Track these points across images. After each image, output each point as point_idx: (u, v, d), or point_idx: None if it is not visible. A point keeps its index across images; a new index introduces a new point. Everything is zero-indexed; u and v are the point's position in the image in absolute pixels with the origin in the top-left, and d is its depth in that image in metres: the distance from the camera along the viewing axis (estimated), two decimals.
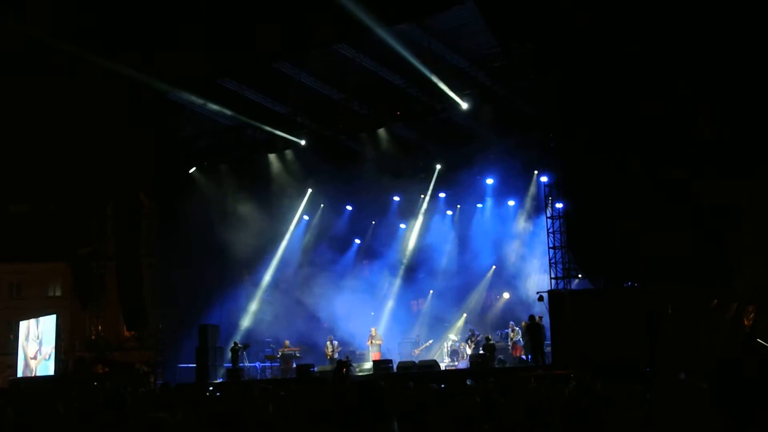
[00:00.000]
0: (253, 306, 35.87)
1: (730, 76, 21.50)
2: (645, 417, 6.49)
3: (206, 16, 23.22)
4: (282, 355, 32.32)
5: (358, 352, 32.55)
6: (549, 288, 25.67)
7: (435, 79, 27.91)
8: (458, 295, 34.08)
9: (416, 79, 29.06)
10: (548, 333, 26.07)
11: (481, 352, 28.41)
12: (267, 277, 36.51)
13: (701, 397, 4.90)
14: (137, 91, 28.15)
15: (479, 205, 34.20)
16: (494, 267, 33.37)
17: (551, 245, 25.83)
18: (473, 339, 30.13)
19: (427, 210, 35.55)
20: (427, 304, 35.17)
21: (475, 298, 33.89)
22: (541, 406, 9.03)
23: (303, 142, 33.12)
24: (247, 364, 32.07)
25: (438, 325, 33.80)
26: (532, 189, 31.80)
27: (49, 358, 35.60)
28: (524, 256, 32.70)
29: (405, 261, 35.75)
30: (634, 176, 22.77)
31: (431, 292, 34.84)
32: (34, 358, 36.27)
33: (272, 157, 34.60)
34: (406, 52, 26.13)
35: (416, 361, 28.90)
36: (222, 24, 23.85)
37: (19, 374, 36.59)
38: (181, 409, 10.88)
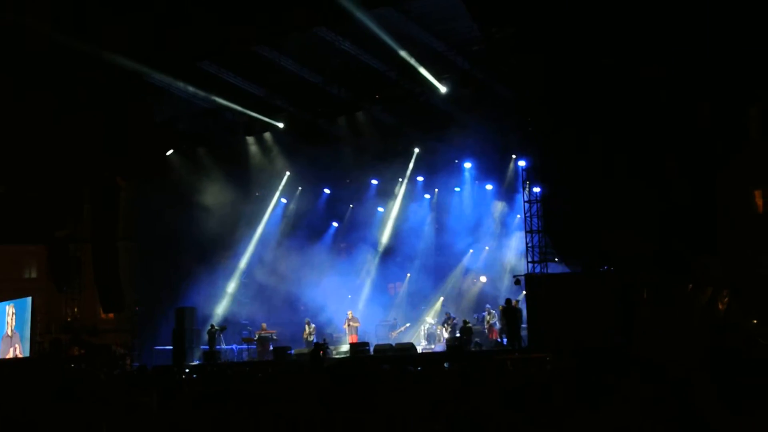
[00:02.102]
0: (230, 288, 35.86)
1: (708, 56, 21.60)
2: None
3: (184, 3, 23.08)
4: (259, 337, 32.32)
5: (335, 335, 32.59)
6: (526, 271, 25.80)
7: (414, 63, 27.89)
8: (435, 278, 34.16)
9: (395, 63, 29.05)
10: (525, 316, 26.24)
11: (458, 335, 28.54)
12: (244, 259, 36.51)
13: None
14: (114, 73, 27.93)
15: (457, 189, 34.28)
16: (471, 250, 33.46)
17: (528, 229, 25.95)
18: (450, 322, 30.24)
19: (405, 194, 35.59)
20: (404, 287, 35.24)
21: (452, 281, 33.98)
22: (517, 388, 9.12)
23: (281, 125, 33.10)
24: (223, 346, 32.09)
25: (415, 309, 33.90)
26: (510, 173, 31.89)
27: (23, 340, 35.41)
28: (501, 239, 32.85)
29: (382, 244, 35.79)
30: (611, 160, 22.88)
31: (408, 275, 34.92)
32: (8, 348, 36.08)
33: (250, 139, 34.57)
34: (385, 35, 26.10)
35: (393, 344, 28.99)
36: (201, 6, 23.68)
37: None
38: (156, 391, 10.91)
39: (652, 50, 22.13)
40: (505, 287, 30.56)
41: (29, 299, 35.92)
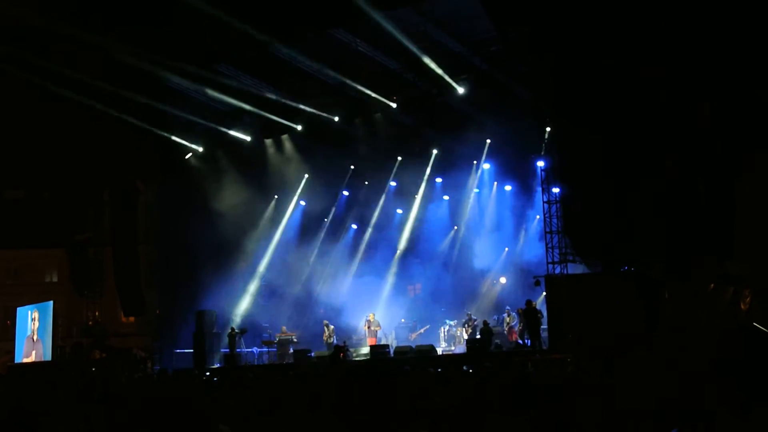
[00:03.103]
0: (250, 291, 35.90)
1: (728, 61, 21.46)
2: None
3: (200, 4, 23.09)
4: (279, 340, 32.36)
5: (354, 337, 32.58)
6: (546, 272, 25.70)
7: (431, 63, 27.86)
8: (455, 279, 34.05)
9: (412, 64, 29.05)
10: (545, 317, 26.14)
11: (478, 336, 28.47)
12: (263, 262, 36.57)
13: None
14: (134, 77, 28.05)
15: (476, 190, 34.20)
16: (491, 252, 33.34)
17: (548, 230, 25.87)
18: (470, 324, 30.18)
19: (423, 195, 35.53)
20: (423, 289, 35.15)
21: (472, 283, 33.87)
22: (537, 389, 9.07)
23: (299, 128, 33.13)
24: (244, 349, 32.13)
25: (435, 310, 33.81)
26: (529, 173, 31.78)
27: (44, 343, 35.59)
28: (521, 240, 32.76)
29: (402, 246, 35.75)
30: (631, 160, 22.74)
31: (428, 276, 34.82)
32: (30, 351, 36.28)
33: (269, 142, 34.63)
34: (402, 36, 26.08)
35: (413, 346, 28.96)
36: (219, 8, 23.71)
37: (18, 360, 36.59)
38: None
39: (670, 49, 22.00)
40: (524, 288, 30.44)
41: (51, 303, 36.10)
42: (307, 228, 36.96)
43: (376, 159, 34.04)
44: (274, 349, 32.36)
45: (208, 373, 26.28)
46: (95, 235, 40.42)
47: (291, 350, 31.32)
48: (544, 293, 26.35)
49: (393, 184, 35.66)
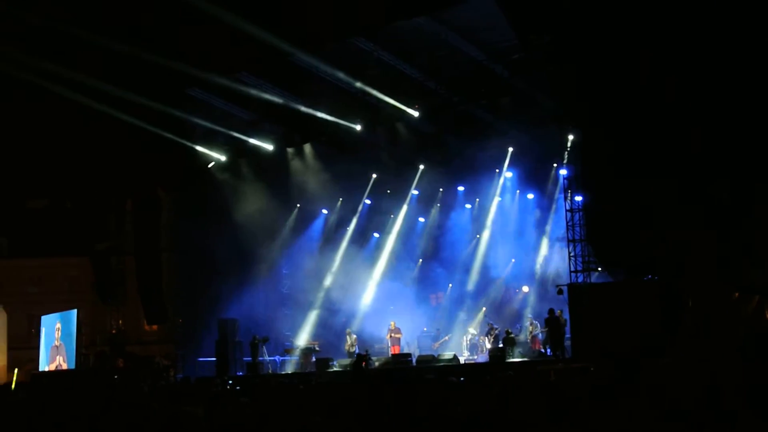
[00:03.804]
0: (273, 299, 35.96)
1: (747, 67, 21.35)
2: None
3: (222, 13, 23.19)
4: (301, 349, 32.38)
5: (377, 346, 32.55)
6: (568, 281, 25.59)
7: (452, 72, 27.83)
8: (477, 288, 33.94)
9: (434, 72, 29.05)
10: (568, 326, 26.00)
11: (501, 345, 28.37)
12: (285, 270, 36.64)
13: None
14: (155, 86, 28.20)
15: (498, 199, 34.10)
16: (513, 260, 33.24)
17: (571, 238, 25.74)
18: (492, 333, 30.07)
19: (445, 203, 35.48)
20: (446, 297, 35.08)
21: (494, 291, 33.77)
22: (560, 399, 9.03)
23: (321, 137, 33.19)
24: (266, 358, 32.15)
25: (457, 319, 33.72)
26: (552, 182, 31.69)
27: (68, 351, 35.76)
28: (543, 249, 32.63)
29: (424, 255, 35.71)
30: (653, 168, 22.63)
31: (450, 285, 34.73)
32: (55, 357, 36.47)
33: (291, 151, 34.67)
34: (423, 45, 26.07)
35: (435, 355, 28.91)
36: (239, 16, 23.79)
37: (41, 368, 36.80)
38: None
39: (694, 57, 21.91)
40: (547, 297, 30.32)
41: (75, 311, 36.27)
42: (329, 236, 36.98)
43: (398, 167, 34.05)
44: (297, 358, 32.38)
45: (231, 382, 26.34)
46: (117, 244, 40.64)
47: (313, 359, 31.32)
48: (567, 302, 26.21)
49: (415, 192, 35.62)
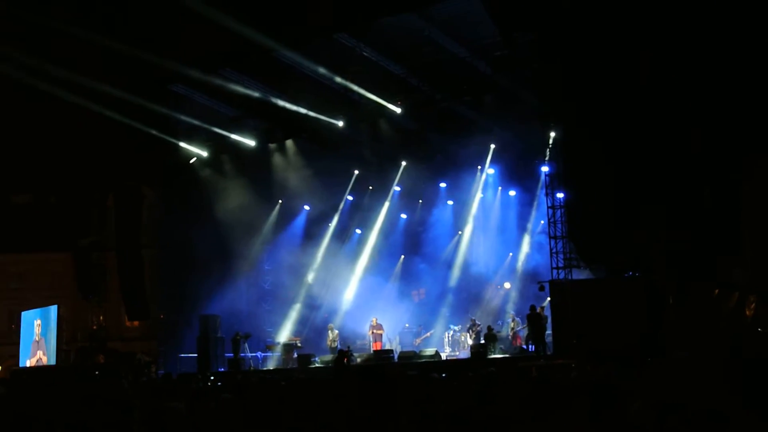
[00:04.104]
0: (254, 295, 35.92)
1: (729, 65, 21.45)
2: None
3: (205, 8, 23.13)
4: (283, 345, 32.35)
5: (359, 342, 32.58)
6: (550, 278, 25.66)
7: (435, 68, 27.85)
8: (459, 284, 34.01)
9: (417, 69, 29.06)
10: (550, 323, 26.08)
11: (482, 341, 28.43)
12: (267, 266, 36.61)
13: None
14: (138, 81, 28.13)
15: (480, 195, 34.15)
16: (495, 257, 33.31)
17: (552, 235, 25.80)
18: (474, 329, 30.14)
19: (428, 200, 35.52)
20: (427, 293, 35.12)
21: (476, 288, 33.82)
22: (541, 395, 9.05)
23: (303, 133, 33.15)
24: (248, 354, 32.10)
25: (439, 315, 33.77)
26: (534, 179, 31.75)
27: (48, 347, 35.63)
28: (525, 245, 32.70)
29: (406, 251, 35.74)
30: (635, 165, 22.73)
31: (432, 281, 34.79)
32: (36, 351, 36.32)
33: (273, 147, 34.60)
34: (407, 41, 26.07)
35: (417, 351, 28.95)
36: (223, 11, 23.73)
37: (22, 363, 36.65)
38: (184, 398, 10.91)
39: (673, 52, 22.00)
40: (528, 293, 30.42)
41: (55, 307, 36.13)
42: (311, 232, 36.96)
43: (380, 164, 34.07)
44: (278, 354, 32.37)
45: (212, 378, 26.27)
46: (100, 240, 40.52)
47: (295, 355, 31.31)
48: (549, 298, 26.29)
49: (397, 188, 35.64)
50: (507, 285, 33.15)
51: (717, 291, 22.10)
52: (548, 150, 26.91)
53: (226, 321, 33.12)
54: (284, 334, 33.51)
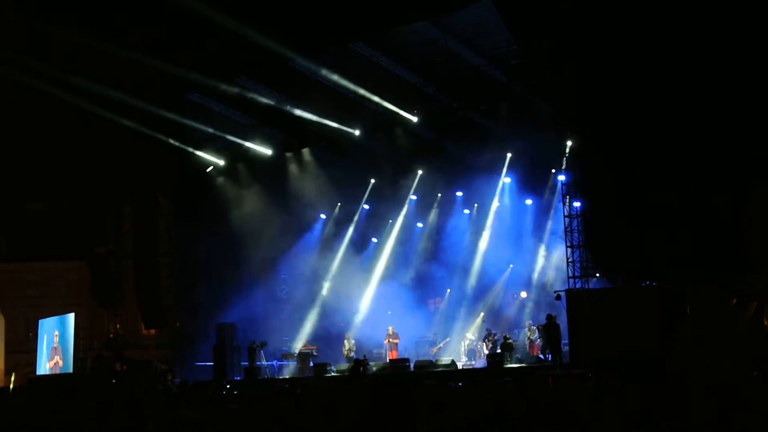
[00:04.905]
0: (271, 304, 35.91)
1: (744, 72, 21.37)
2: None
3: (222, 18, 23.21)
4: (299, 353, 32.34)
5: (375, 351, 32.51)
6: (566, 287, 25.55)
7: (451, 77, 27.84)
8: (475, 293, 33.91)
9: (433, 78, 29.06)
10: (565, 332, 25.97)
11: (499, 351, 28.34)
12: (284, 275, 36.60)
13: None
14: (154, 90, 28.23)
15: (497, 204, 34.06)
16: (511, 266, 33.21)
17: (569, 244, 25.68)
18: (490, 338, 30.03)
19: (444, 209, 35.48)
20: (444, 302, 35.06)
21: (492, 297, 33.74)
22: (559, 405, 9.02)
23: (319, 141, 33.19)
24: (264, 362, 32.10)
25: (455, 324, 33.69)
26: (550, 187, 31.67)
27: (65, 354, 35.75)
28: (542, 255, 32.60)
29: (422, 260, 35.67)
30: (652, 174, 22.65)
31: (448, 291, 34.72)
32: (54, 356, 36.44)
33: (289, 156, 34.63)
34: (423, 50, 26.07)
35: (433, 360, 28.88)
36: (239, 21, 23.80)
37: (40, 370, 36.78)
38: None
39: (689, 62, 21.93)
40: (545, 303, 30.32)
41: (72, 315, 36.25)
42: (327, 241, 36.95)
43: (396, 173, 34.05)
44: (295, 362, 32.35)
45: (228, 386, 26.30)
46: (116, 248, 40.66)
47: (311, 364, 31.28)
48: (565, 307, 26.17)
49: (413, 197, 35.61)
50: (523, 294, 33.04)
51: (735, 300, 22.00)
52: (564, 158, 26.83)
53: (241, 329, 33.13)
54: (300, 343, 33.45)
